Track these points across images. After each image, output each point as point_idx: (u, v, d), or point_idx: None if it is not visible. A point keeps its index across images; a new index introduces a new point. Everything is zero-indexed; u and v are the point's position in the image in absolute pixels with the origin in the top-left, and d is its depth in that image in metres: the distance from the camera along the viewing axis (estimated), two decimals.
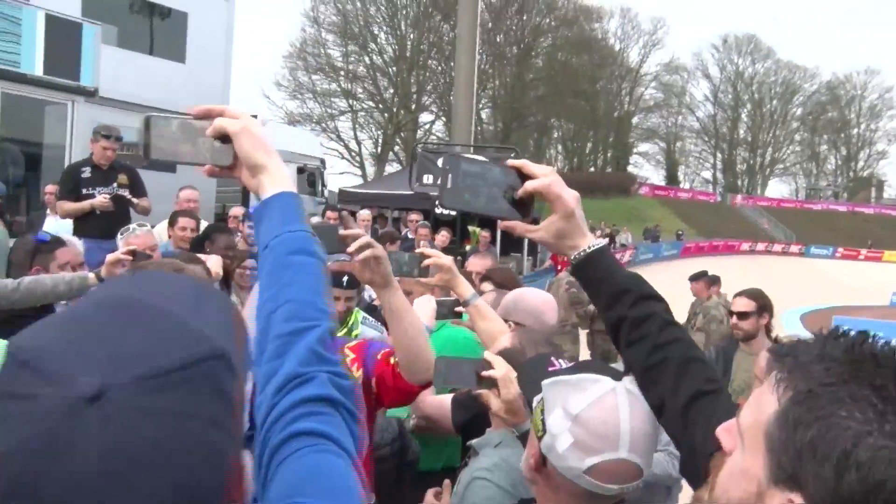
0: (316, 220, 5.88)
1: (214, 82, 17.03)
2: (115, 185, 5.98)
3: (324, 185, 19.11)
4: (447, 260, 2.46)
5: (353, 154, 42.47)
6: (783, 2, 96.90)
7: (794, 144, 73.03)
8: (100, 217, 5.75)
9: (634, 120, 65.92)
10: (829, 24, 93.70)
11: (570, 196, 1.41)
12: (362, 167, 39.69)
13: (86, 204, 5.78)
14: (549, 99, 51.38)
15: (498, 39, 49.53)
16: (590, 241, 1.40)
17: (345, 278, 4.08)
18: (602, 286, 1.39)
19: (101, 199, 5.78)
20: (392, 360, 2.22)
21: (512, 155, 11.82)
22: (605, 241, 1.48)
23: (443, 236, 9.67)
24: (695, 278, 8.32)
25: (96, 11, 14.56)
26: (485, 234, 12.63)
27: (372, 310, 6.46)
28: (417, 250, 2.68)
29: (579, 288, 8.80)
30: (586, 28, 56.32)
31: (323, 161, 20.36)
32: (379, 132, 41.96)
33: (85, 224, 5.73)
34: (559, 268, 16.07)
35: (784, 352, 0.85)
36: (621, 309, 1.35)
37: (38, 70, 12.41)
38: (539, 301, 2.84)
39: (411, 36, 44.60)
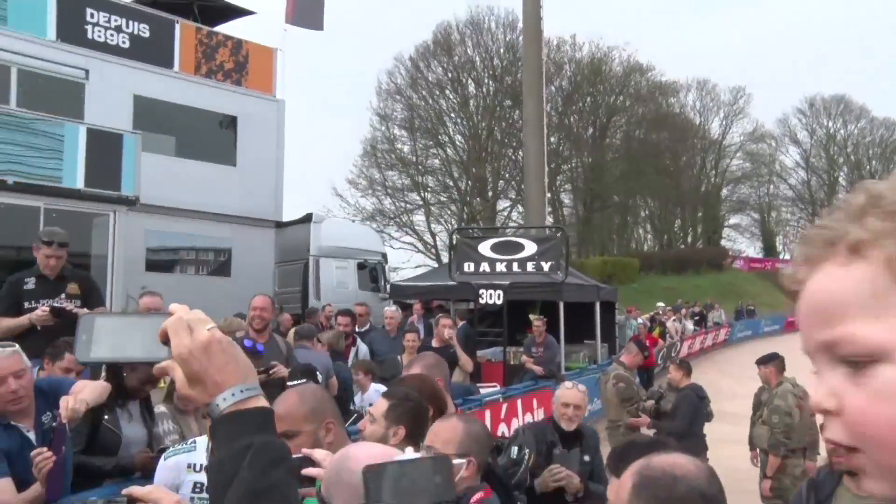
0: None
1: (266, 183, 16.93)
2: (62, 295, 5.29)
3: (386, 280, 18.55)
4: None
5: (429, 246, 42.35)
6: (872, 59, 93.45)
7: None
8: (44, 334, 4.93)
9: (723, 192, 63.66)
10: None
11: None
12: (438, 259, 39.33)
13: (23, 319, 5.04)
14: (629, 178, 50.23)
15: (570, 122, 49.15)
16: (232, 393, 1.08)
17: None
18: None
19: (39, 311, 5.08)
20: None
21: (558, 235, 10.89)
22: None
23: (442, 327, 8.28)
24: (764, 361, 6.99)
25: (147, 123, 14.74)
26: (539, 322, 11.56)
27: None
28: None
29: (628, 382, 7.69)
30: (662, 103, 55.37)
31: (384, 255, 19.89)
32: (454, 222, 41.78)
33: (27, 343, 4.98)
34: (648, 354, 14.67)
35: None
36: None
37: (79, 183, 12.44)
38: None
39: (482, 125, 44.76)
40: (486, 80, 45.56)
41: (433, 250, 42.28)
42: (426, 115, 44.45)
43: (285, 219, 17.71)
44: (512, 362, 12.01)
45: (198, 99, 15.93)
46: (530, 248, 9.94)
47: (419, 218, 43.58)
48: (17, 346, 3.54)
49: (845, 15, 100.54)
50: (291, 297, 16.90)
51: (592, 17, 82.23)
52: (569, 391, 4.60)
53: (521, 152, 34.34)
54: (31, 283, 5.34)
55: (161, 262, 16.11)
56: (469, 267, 10.13)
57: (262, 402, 1.13)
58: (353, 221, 35.39)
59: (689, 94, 60.21)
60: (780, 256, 63.35)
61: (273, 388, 4.06)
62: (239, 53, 16.53)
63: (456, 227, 36.01)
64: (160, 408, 4.42)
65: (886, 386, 0.63)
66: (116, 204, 12.80)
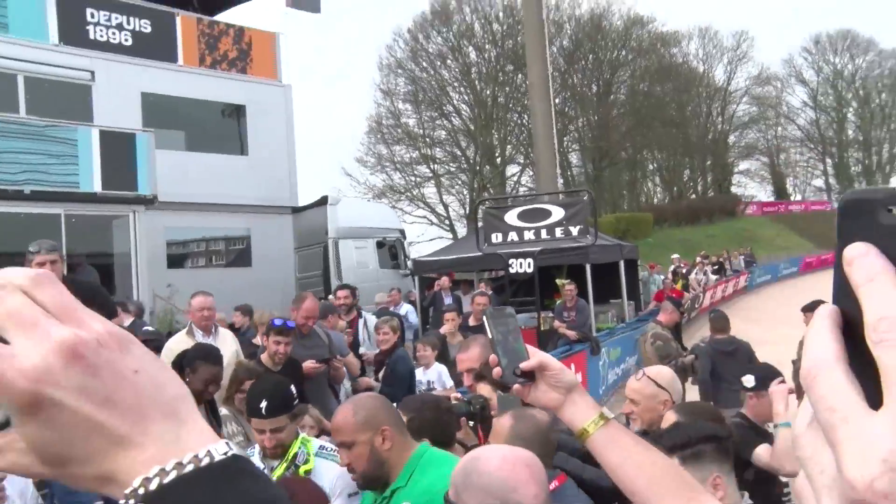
0: None
1: (279, 169, 16.85)
2: None
3: (406, 257, 18.52)
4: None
5: (442, 218, 42.31)
6: None
7: None
8: None
9: (731, 139, 63.10)
10: None
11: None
12: (452, 231, 39.27)
13: None
14: (636, 132, 49.86)
15: (574, 81, 48.69)
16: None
17: (263, 404, 3.28)
18: None
19: None
20: None
21: (584, 197, 10.81)
22: None
23: (477, 303, 8.63)
24: (810, 308, 6.94)
25: (155, 120, 14.65)
26: (569, 286, 11.53)
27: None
28: None
29: (665, 340, 7.69)
30: (664, 55, 54.71)
31: (402, 232, 19.84)
32: (465, 192, 41.69)
33: None
34: (683, 310, 14.57)
35: None
36: None
37: (96, 187, 12.41)
38: (506, 470, 1.67)
39: (486, 92, 44.42)
40: (486, 46, 45.17)
41: (447, 222, 42.24)
42: (429, 86, 44.18)
43: (301, 203, 17.66)
44: (542, 328, 11.97)
45: (204, 91, 15.82)
46: (557, 213, 9.86)
47: (430, 190, 43.52)
48: None
49: None
50: (313, 282, 16.90)
51: None
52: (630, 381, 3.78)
53: (526, 116, 34.10)
54: None
55: (182, 257, 16.14)
56: (497, 237, 10.07)
57: None
58: (367, 200, 35.27)
59: (692, 43, 59.44)
60: (792, 198, 62.92)
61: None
62: (241, 41, 16.38)
63: (468, 196, 35.95)
64: (223, 410, 4.41)
65: None
66: (134, 204, 12.79)
